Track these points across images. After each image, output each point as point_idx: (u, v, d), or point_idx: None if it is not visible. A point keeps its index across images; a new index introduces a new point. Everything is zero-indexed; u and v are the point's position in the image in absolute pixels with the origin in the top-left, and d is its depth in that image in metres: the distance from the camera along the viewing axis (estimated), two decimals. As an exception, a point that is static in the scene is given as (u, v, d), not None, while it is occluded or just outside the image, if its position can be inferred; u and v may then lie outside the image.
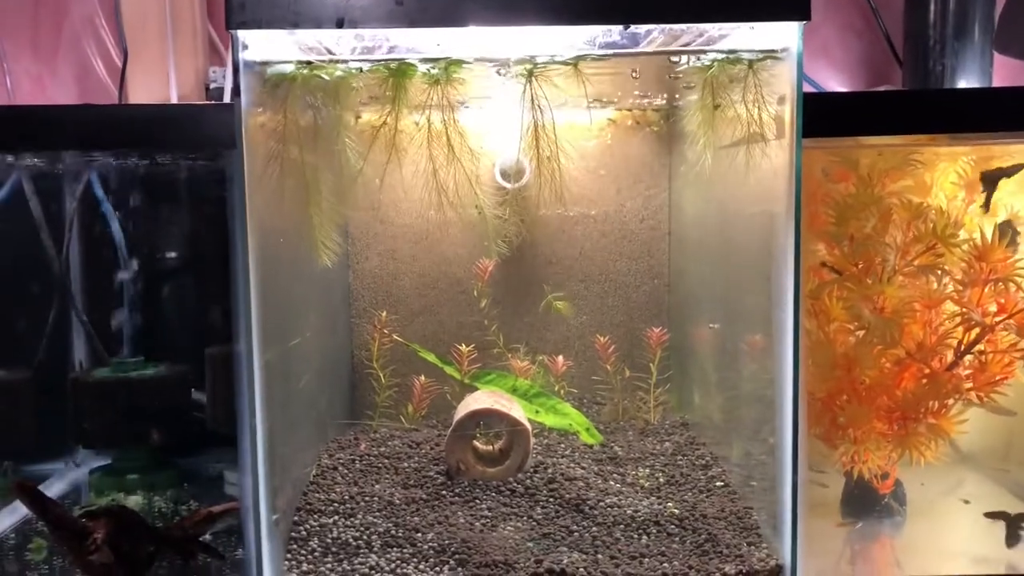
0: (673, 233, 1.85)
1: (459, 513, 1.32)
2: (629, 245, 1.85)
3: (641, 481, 1.45)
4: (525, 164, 1.74)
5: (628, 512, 1.31)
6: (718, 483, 1.43)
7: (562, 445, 1.60)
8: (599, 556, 1.21)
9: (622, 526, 1.28)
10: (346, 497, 1.35)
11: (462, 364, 1.72)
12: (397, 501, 1.34)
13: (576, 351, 1.84)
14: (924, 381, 1.38)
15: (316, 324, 1.56)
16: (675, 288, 1.85)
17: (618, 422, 1.76)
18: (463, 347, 1.72)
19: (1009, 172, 1.43)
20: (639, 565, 1.19)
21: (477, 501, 1.36)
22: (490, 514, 1.33)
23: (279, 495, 1.22)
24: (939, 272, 1.35)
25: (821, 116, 1.14)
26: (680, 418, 1.76)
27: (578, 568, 1.18)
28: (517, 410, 1.47)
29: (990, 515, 1.48)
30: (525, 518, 1.31)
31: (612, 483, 1.43)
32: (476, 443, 1.45)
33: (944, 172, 1.44)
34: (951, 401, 1.38)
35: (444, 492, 1.38)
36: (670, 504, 1.34)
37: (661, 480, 1.45)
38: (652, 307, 1.86)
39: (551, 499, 1.36)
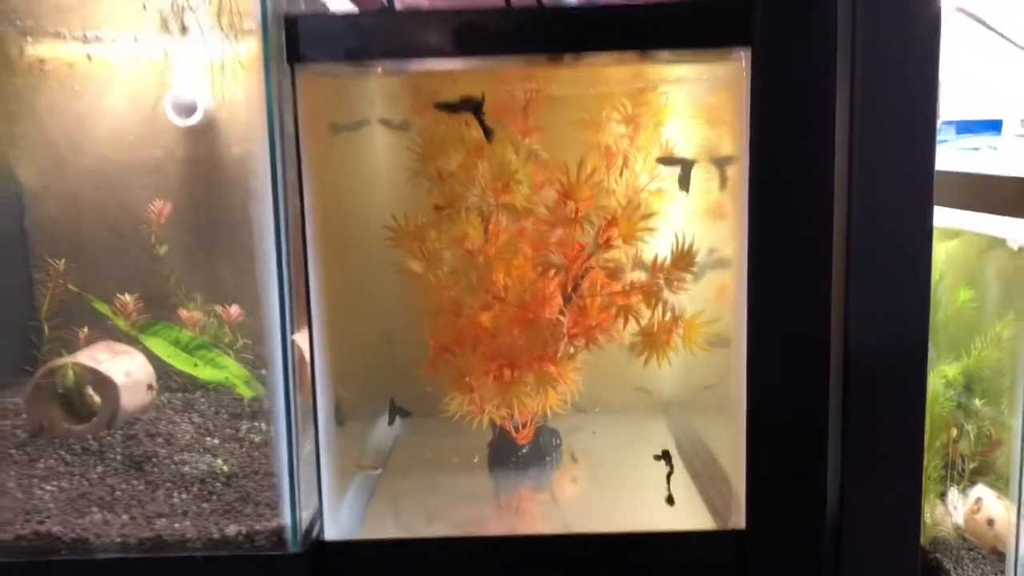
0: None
1: (11, 471, 1.25)
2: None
3: (252, 436, 1.37)
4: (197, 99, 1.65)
5: (184, 470, 1.24)
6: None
7: (203, 400, 1.52)
8: (125, 517, 1.14)
9: (168, 485, 1.21)
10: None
11: (127, 314, 1.64)
12: (-49, 459, 1.27)
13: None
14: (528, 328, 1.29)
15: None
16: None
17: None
18: (127, 297, 1.63)
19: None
20: (150, 527, 1.11)
21: (43, 459, 1.28)
22: (44, 473, 1.25)
23: None
24: (520, 211, 1.25)
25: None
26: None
27: (74, 531, 1.10)
28: (121, 362, 1.39)
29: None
30: (78, 477, 1.23)
31: (210, 439, 1.35)
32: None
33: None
34: (561, 347, 1.30)
35: (14, 451, 1.30)
36: (219, 461, 1.26)
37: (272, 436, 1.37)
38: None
39: (119, 457, 1.28)
